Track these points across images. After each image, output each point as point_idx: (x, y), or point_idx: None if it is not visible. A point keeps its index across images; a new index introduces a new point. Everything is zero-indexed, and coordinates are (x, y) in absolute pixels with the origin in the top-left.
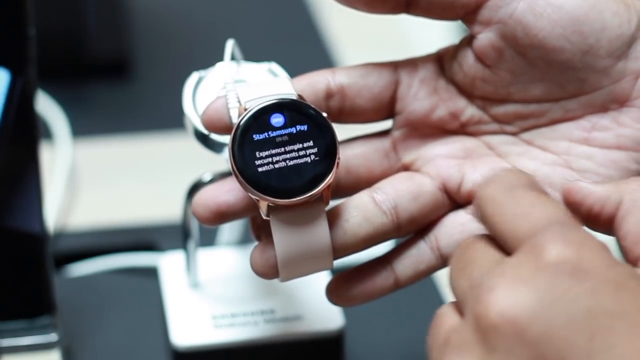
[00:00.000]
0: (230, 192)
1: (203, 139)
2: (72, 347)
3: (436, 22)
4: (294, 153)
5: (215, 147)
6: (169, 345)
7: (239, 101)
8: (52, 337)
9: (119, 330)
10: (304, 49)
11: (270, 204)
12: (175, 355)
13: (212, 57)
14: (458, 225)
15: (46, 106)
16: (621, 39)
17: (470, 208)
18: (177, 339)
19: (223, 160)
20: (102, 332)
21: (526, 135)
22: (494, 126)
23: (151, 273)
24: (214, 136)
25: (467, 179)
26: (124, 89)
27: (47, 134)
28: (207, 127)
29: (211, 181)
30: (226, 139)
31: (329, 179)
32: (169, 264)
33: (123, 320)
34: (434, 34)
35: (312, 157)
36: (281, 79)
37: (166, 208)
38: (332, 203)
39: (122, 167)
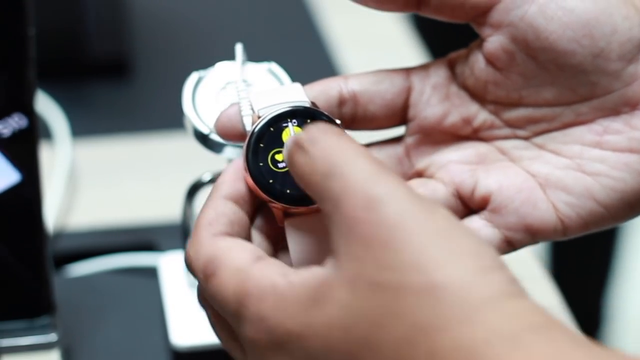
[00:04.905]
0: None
1: (203, 139)
2: (72, 347)
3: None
4: None
5: (215, 147)
6: (169, 345)
7: (252, 109)
8: (52, 337)
9: (119, 330)
10: (304, 49)
11: (285, 211)
12: (175, 355)
13: (212, 57)
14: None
15: (46, 106)
16: (632, 42)
17: (483, 213)
18: (177, 339)
19: (223, 160)
20: (102, 332)
21: (538, 140)
22: (506, 131)
23: (151, 273)
24: (214, 136)
25: (480, 184)
26: (124, 89)
27: (47, 134)
28: (220, 135)
29: (211, 181)
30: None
31: None
32: (169, 264)
33: (123, 320)
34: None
35: None
36: (294, 86)
37: (166, 208)
38: None
39: (122, 167)
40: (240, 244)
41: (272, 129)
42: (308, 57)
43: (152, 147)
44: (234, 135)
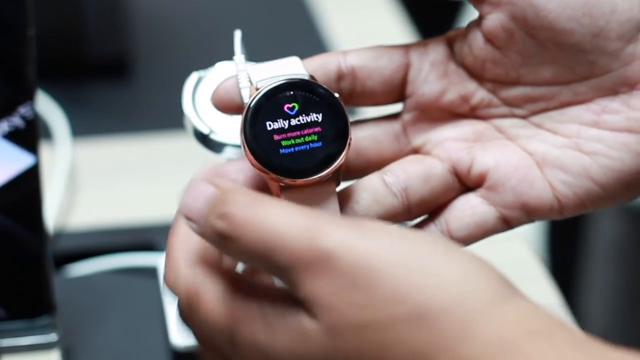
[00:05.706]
0: (240, 171)
1: (203, 139)
2: (72, 347)
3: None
4: (305, 133)
5: (215, 147)
6: (169, 345)
7: (250, 81)
8: (52, 337)
9: (119, 330)
10: (304, 49)
11: (281, 184)
12: (175, 355)
13: (212, 57)
14: (468, 209)
15: (46, 106)
16: (631, 22)
17: (480, 191)
18: (177, 339)
19: (223, 160)
20: (102, 332)
21: (536, 119)
22: (504, 109)
23: (151, 273)
24: (214, 136)
25: (477, 161)
26: (124, 89)
27: (47, 134)
28: (217, 107)
29: None
30: (226, 139)
31: (340, 160)
32: None
33: (123, 320)
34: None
35: (324, 137)
36: (292, 60)
37: (166, 208)
38: (342, 185)
39: (122, 167)
40: (216, 268)
41: (269, 101)
42: (308, 56)
43: (152, 147)
44: (231, 107)
